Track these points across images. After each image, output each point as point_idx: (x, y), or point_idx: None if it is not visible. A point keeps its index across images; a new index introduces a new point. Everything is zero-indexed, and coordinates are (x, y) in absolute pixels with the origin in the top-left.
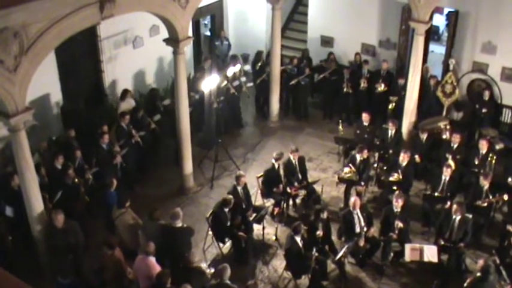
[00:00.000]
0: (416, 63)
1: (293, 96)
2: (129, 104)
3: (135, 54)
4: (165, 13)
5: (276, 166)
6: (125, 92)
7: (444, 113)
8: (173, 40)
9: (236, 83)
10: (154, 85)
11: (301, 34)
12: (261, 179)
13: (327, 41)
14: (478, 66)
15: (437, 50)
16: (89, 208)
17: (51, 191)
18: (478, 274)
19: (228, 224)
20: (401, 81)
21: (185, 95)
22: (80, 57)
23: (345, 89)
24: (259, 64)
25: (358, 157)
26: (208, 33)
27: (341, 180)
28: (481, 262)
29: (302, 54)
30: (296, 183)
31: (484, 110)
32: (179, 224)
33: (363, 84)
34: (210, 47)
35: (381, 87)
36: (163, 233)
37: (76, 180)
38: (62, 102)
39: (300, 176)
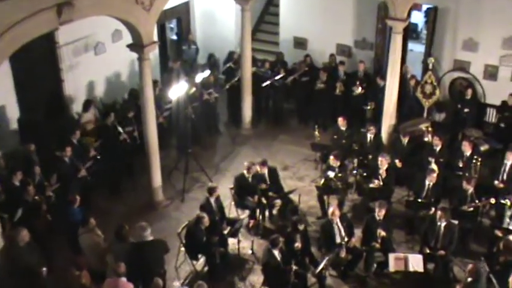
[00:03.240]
0: (394, 63)
1: (266, 101)
2: (92, 115)
3: (97, 62)
4: (128, 17)
5: (248, 177)
6: (88, 102)
7: (425, 114)
8: (137, 45)
9: (210, 90)
10: (119, 94)
11: (272, 36)
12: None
13: (300, 43)
14: (460, 64)
15: (417, 48)
16: (51, 227)
17: (10, 210)
18: (469, 279)
19: (204, 240)
20: (379, 83)
21: (151, 103)
22: (38, 65)
23: (316, 87)
24: (231, 65)
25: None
26: (174, 37)
27: (318, 187)
28: (470, 266)
29: (276, 57)
30: (271, 193)
31: (466, 110)
32: (149, 237)
33: (339, 88)
34: (177, 51)
35: (358, 90)
36: (133, 250)
37: (36, 197)
38: (19, 114)
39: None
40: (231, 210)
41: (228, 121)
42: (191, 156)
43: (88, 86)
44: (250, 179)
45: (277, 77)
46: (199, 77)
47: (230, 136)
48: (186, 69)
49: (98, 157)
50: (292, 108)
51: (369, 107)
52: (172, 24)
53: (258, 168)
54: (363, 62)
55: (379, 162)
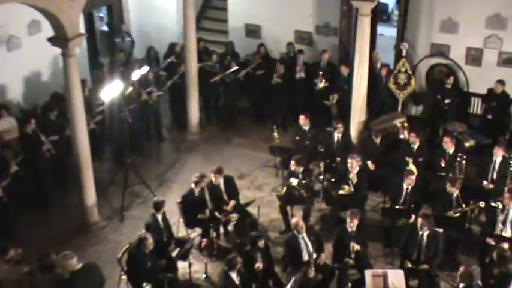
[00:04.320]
0: (362, 50)
1: (216, 100)
2: (8, 123)
3: (11, 59)
4: (47, 5)
5: (197, 191)
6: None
7: (400, 108)
8: (60, 39)
9: (150, 88)
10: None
11: (220, 24)
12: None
13: (252, 31)
14: (438, 48)
15: (388, 32)
16: None
17: None
18: (461, 285)
19: (149, 265)
20: (343, 72)
21: (80, 106)
22: None
23: (274, 82)
24: (173, 59)
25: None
26: (105, 28)
27: (280, 197)
28: (461, 269)
29: (226, 48)
30: (225, 207)
31: (447, 101)
32: (78, 265)
33: (300, 74)
34: (109, 45)
35: (322, 83)
36: (61, 284)
37: None
38: None
39: (227, 200)
40: (180, 228)
41: (172, 125)
42: (130, 167)
43: (0, 88)
44: (203, 193)
45: (228, 71)
46: (137, 74)
47: (175, 142)
48: (120, 66)
49: (20, 173)
50: (247, 106)
51: (330, 102)
52: (102, 12)
53: (212, 178)
54: (326, 50)
55: (348, 165)
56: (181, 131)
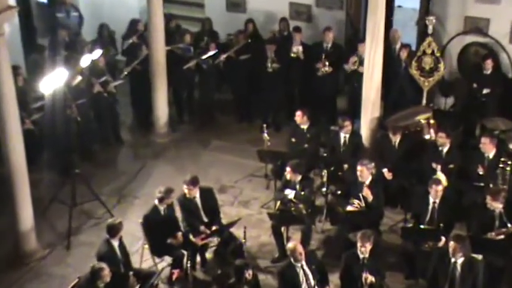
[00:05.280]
0: (376, 27)
1: (190, 92)
2: None
3: None
4: None
5: (162, 209)
6: None
7: (424, 100)
8: None
9: (104, 78)
10: None
11: None
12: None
13: (235, 3)
14: (473, 23)
15: (408, 4)
16: None
17: None
18: None
19: None
20: (354, 58)
21: (12, 101)
22: None
23: (269, 69)
24: (134, 41)
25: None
26: None
27: (272, 215)
28: None
29: (202, 26)
30: (202, 228)
31: (486, 91)
32: None
33: (295, 52)
34: (49, 21)
35: (325, 68)
36: None
37: None
38: None
39: (205, 218)
40: (145, 257)
41: (133, 124)
42: (79, 179)
43: None
44: (171, 211)
45: (205, 56)
46: (87, 60)
47: (138, 146)
48: (64, 49)
49: None
50: (229, 100)
51: (349, 67)
52: None
53: (185, 190)
54: (330, 28)
55: (358, 174)
56: (145, 132)
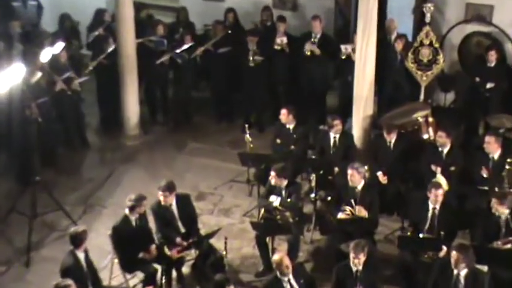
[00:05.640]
0: (368, 15)
1: (163, 89)
2: None
3: None
4: None
5: (133, 219)
6: None
7: (422, 96)
8: None
9: (68, 74)
10: None
11: None
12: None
13: None
14: (476, 10)
15: None
16: None
17: None
18: None
19: None
20: (345, 49)
21: None
22: None
23: (251, 63)
24: (100, 33)
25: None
26: None
27: (256, 224)
28: None
29: (176, 17)
30: (179, 239)
31: (490, 85)
32: None
33: (279, 44)
34: (5, 11)
35: (313, 48)
36: None
37: None
38: None
39: (182, 228)
40: (114, 273)
41: (101, 125)
42: (40, 187)
43: None
44: (144, 222)
45: (180, 49)
46: (47, 54)
47: (106, 150)
48: (21, 41)
49: None
50: (207, 98)
51: (344, 51)
52: None
53: (160, 197)
54: (318, 17)
55: (348, 178)
56: (113, 134)
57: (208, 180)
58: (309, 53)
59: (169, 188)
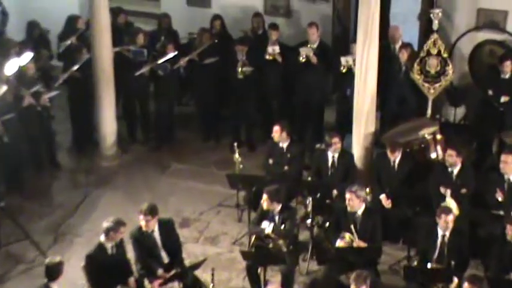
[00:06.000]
0: (369, 22)
1: (143, 104)
2: None
3: None
4: None
5: (109, 247)
6: None
7: (429, 111)
8: None
9: (37, 88)
10: None
11: None
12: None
13: None
14: (488, 17)
15: None
16: None
17: None
18: None
19: None
20: (346, 61)
21: None
22: None
23: (240, 75)
24: (73, 42)
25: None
26: None
27: (246, 253)
28: None
29: (158, 24)
30: (160, 271)
31: (504, 99)
32: None
33: (271, 53)
34: None
35: (309, 53)
36: None
37: None
38: None
39: (165, 257)
40: None
41: (73, 144)
42: (5, 213)
43: None
44: (121, 250)
45: (162, 60)
46: (13, 66)
47: (79, 172)
48: None
49: None
50: (191, 113)
51: (345, 64)
52: None
53: (141, 221)
54: (315, 24)
55: (347, 200)
56: (88, 154)
57: (194, 205)
58: (304, 59)
59: (152, 211)
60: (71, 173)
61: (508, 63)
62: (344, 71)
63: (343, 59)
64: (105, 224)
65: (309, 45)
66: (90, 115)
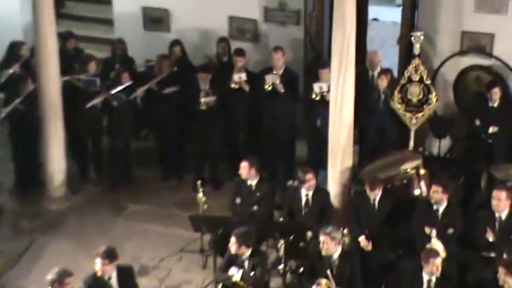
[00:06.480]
0: (345, 46)
1: (96, 138)
2: None
3: None
4: None
5: None
6: None
7: (411, 143)
8: None
9: None
10: None
11: (100, 8)
12: None
13: (156, 19)
14: (473, 40)
15: (386, 16)
16: None
17: None
18: None
19: None
20: (320, 88)
21: None
22: None
23: (202, 105)
24: (16, 71)
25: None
26: None
27: None
28: None
29: (112, 51)
30: None
31: (492, 129)
32: None
33: (237, 81)
34: None
35: (274, 81)
36: None
37: None
38: None
39: None
40: None
41: (16, 185)
42: None
43: None
44: None
45: (116, 90)
46: None
47: (22, 216)
48: None
49: None
50: (150, 148)
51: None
52: None
53: (97, 267)
54: (280, 48)
55: (321, 245)
56: (33, 196)
57: (153, 251)
58: (270, 88)
59: (110, 255)
60: (13, 218)
61: (496, 90)
62: (317, 98)
63: (316, 86)
64: (49, 276)
65: (274, 72)
66: (36, 153)
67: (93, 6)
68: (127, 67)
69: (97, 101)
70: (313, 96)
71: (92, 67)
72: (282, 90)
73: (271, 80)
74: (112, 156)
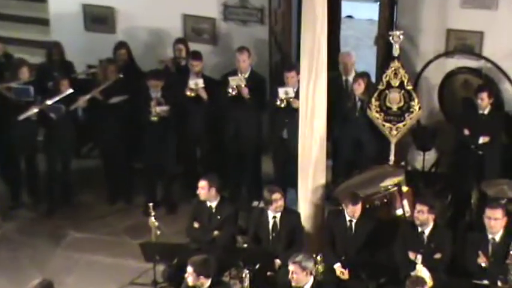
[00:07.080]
0: (315, 47)
1: (30, 156)
2: None
3: None
4: None
5: None
6: None
7: (392, 157)
8: None
9: None
10: None
11: (34, 6)
12: None
13: (99, 18)
14: (460, 39)
15: (362, 13)
16: None
17: None
18: None
19: None
20: (286, 93)
21: None
22: None
23: (152, 117)
24: None
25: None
26: None
27: None
28: None
29: (47, 55)
30: None
31: (482, 140)
32: None
33: (193, 88)
34: None
35: (239, 83)
36: None
37: None
38: None
39: None
40: None
41: None
42: None
43: None
44: None
45: (53, 100)
46: None
47: None
48: None
49: None
50: (93, 167)
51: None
52: None
53: None
54: (245, 49)
55: (290, 275)
56: None
57: (99, 285)
58: (234, 92)
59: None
60: None
61: (484, 95)
62: (282, 106)
63: (281, 91)
64: None
65: (239, 75)
66: None
67: (25, 4)
68: (66, 74)
69: (31, 112)
70: (278, 103)
71: (24, 73)
72: (248, 96)
73: (236, 83)
74: (49, 176)
